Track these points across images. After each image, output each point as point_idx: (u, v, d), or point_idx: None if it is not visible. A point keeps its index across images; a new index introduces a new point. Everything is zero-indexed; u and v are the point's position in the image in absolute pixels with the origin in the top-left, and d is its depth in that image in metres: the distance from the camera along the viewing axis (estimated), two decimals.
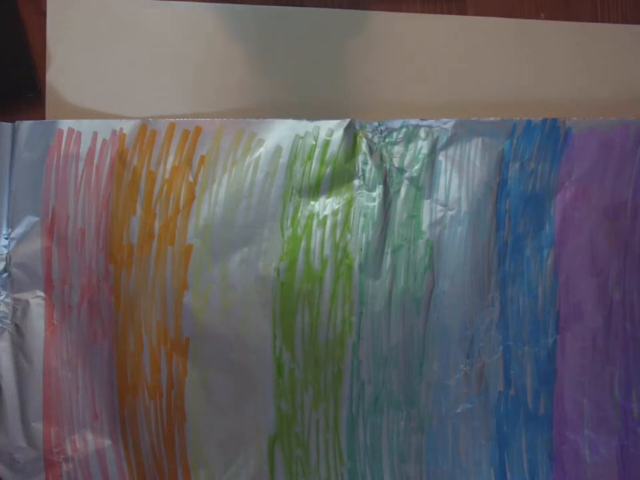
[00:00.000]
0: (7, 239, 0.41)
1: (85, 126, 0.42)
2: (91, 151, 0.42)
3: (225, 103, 0.44)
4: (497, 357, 0.45)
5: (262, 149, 0.43)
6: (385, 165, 0.44)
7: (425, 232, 0.44)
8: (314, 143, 0.43)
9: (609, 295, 0.45)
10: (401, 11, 0.46)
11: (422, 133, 0.44)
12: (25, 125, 0.41)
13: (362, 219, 0.44)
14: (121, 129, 0.42)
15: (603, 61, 0.48)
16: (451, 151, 0.44)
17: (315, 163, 0.43)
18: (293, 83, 0.45)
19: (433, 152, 0.44)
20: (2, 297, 0.41)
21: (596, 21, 0.48)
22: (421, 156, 0.44)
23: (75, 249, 0.42)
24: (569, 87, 0.48)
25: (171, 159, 0.42)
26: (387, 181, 0.44)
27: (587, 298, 0.45)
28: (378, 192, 0.44)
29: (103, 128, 0.42)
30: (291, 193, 0.43)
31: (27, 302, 0.41)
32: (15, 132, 0.41)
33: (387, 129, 0.43)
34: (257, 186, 0.43)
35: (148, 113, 0.43)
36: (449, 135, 0.44)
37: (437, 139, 0.44)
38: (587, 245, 0.45)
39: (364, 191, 0.44)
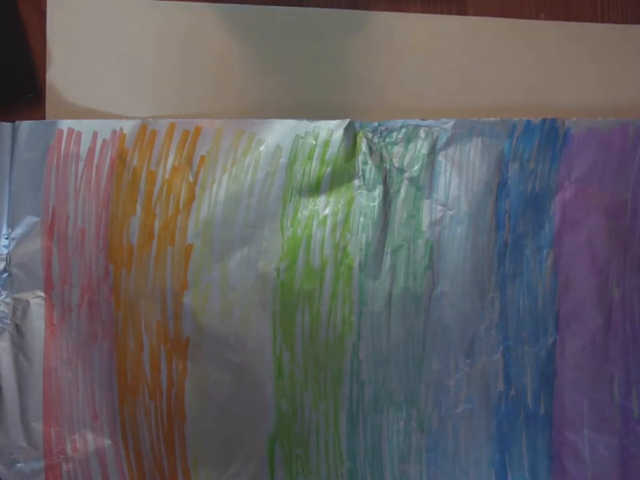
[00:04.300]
0: (7, 238, 0.41)
1: (85, 126, 0.42)
2: (91, 151, 0.42)
3: (225, 103, 0.44)
4: (497, 357, 0.45)
5: (262, 149, 0.43)
6: (384, 165, 0.44)
7: (424, 232, 0.44)
8: (314, 142, 0.43)
9: (609, 294, 0.45)
10: (401, 11, 0.46)
11: (422, 133, 0.44)
12: (25, 125, 0.41)
13: (362, 219, 0.44)
14: (121, 129, 0.42)
15: (603, 61, 0.48)
16: (450, 150, 0.44)
17: (314, 163, 0.43)
18: (293, 83, 0.45)
19: (432, 152, 0.44)
20: (2, 297, 0.41)
21: (596, 21, 0.48)
22: (420, 156, 0.44)
23: (75, 249, 0.42)
24: (568, 86, 0.48)
25: (170, 158, 0.42)
26: (386, 180, 0.44)
27: (586, 298, 0.45)
28: (378, 192, 0.44)
29: (103, 128, 0.42)
30: (291, 193, 0.43)
31: (27, 302, 0.41)
32: (14, 132, 0.41)
33: (386, 129, 0.44)
34: (256, 186, 0.43)
35: (148, 113, 0.43)
36: (449, 134, 0.44)
37: (437, 138, 0.44)
38: (587, 245, 0.45)
39: (364, 191, 0.44)
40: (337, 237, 0.43)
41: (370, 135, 0.43)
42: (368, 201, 0.44)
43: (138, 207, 0.42)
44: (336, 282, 0.43)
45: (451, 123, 0.44)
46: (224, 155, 0.42)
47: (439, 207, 0.44)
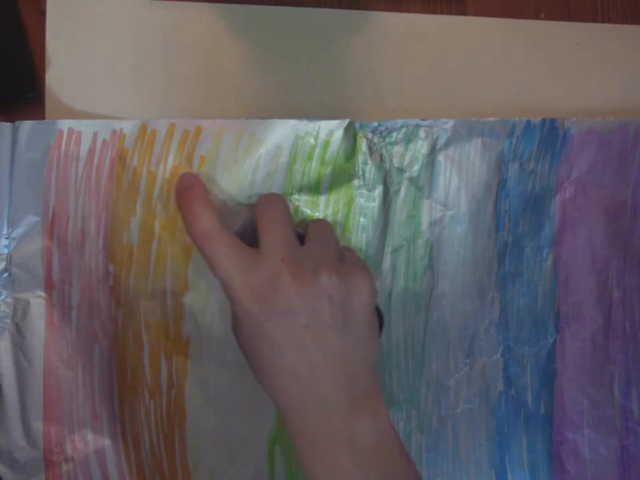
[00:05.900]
0: (7, 238, 0.41)
1: (85, 126, 0.41)
2: (91, 151, 0.42)
3: (225, 103, 0.44)
4: (497, 357, 0.45)
5: (262, 149, 0.42)
6: (384, 165, 0.44)
7: (424, 232, 0.44)
8: (314, 143, 0.43)
9: (609, 294, 0.45)
10: (400, 11, 0.46)
11: (422, 133, 0.44)
12: (25, 125, 0.41)
13: (362, 219, 0.44)
14: (121, 129, 0.42)
15: (603, 61, 0.48)
16: (450, 150, 0.44)
17: (314, 163, 0.43)
18: (293, 83, 0.45)
19: (432, 152, 0.44)
20: (2, 297, 0.41)
21: (596, 21, 0.48)
22: (420, 156, 0.44)
23: (75, 249, 0.42)
24: (568, 87, 0.48)
25: (171, 158, 0.42)
26: (386, 181, 0.44)
27: (586, 298, 0.45)
28: (378, 192, 0.44)
29: (103, 128, 0.42)
30: (291, 193, 0.43)
31: (28, 302, 0.41)
32: (15, 132, 0.41)
33: (386, 129, 0.43)
34: (256, 186, 0.43)
35: (148, 113, 0.43)
36: (449, 135, 0.44)
37: (437, 138, 0.44)
38: (587, 245, 0.45)
39: (364, 191, 0.44)
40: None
41: (370, 135, 0.43)
42: (368, 201, 0.44)
43: (138, 207, 0.42)
44: None
45: (451, 123, 0.44)
46: (224, 155, 0.42)
47: (439, 207, 0.44)
